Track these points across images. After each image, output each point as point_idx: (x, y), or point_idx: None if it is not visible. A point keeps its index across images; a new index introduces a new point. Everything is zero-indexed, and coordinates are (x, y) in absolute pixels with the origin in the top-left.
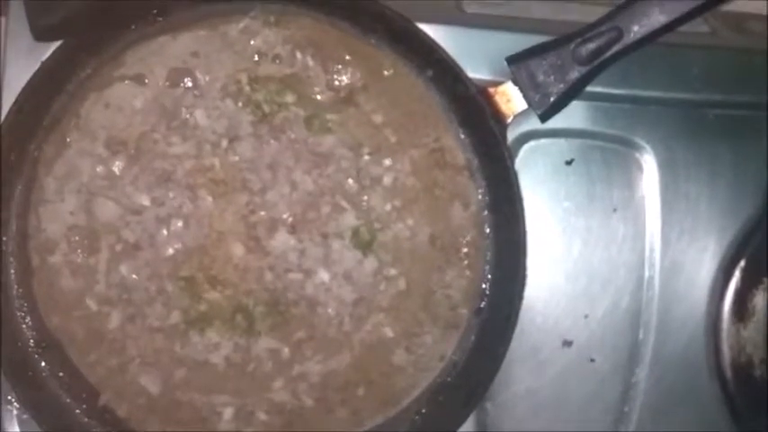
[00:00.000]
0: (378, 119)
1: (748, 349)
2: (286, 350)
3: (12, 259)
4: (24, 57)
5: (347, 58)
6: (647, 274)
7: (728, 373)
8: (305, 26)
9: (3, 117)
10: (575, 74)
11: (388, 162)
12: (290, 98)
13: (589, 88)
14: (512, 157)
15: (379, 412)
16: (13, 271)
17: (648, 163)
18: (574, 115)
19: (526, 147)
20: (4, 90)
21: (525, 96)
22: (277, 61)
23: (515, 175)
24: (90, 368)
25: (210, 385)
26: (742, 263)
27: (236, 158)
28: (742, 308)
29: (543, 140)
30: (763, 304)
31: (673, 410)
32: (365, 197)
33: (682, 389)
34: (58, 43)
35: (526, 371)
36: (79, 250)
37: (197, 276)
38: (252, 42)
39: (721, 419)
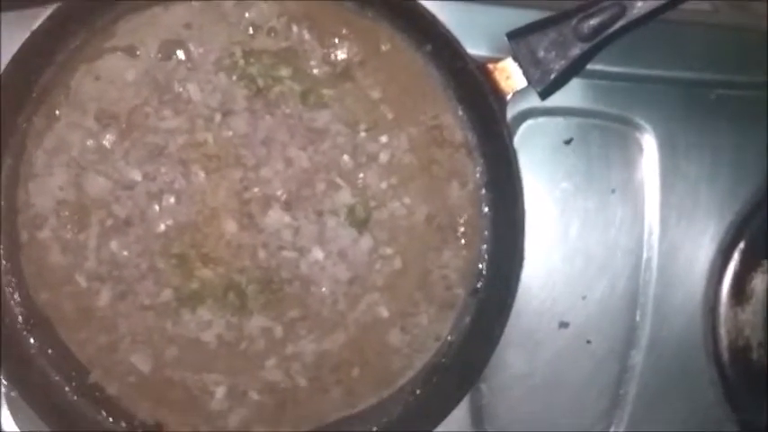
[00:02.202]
0: (375, 95)
1: (746, 332)
2: (279, 329)
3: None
4: (13, 27)
5: (344, 32)
6: (645, 256)
7: (726, 356)
8: None
9: None
10: (576, 50)
11: (384, 139)
12: (285, 72)
13: (589, 66)
14: (510, 135)
15: (373, 393)
16: (1, 246)
17: (648, 143)
18: (573, 93)
19: (525, 125)
20: None
21: (525, 73)
22: (272, 34)
23: (514, 153)
24: (79, 346)
25: (202, 364)
26: (741, 245)
27: (230, 133)
28: (740, 291)
29: (542, 119)
30: (761, 287)
31: (669, 393)
32: (361, 174)
33: (678, 371)
34: (48, 12)
35: (522, 352)
36: (69, 226)
37: (189, 253)
38: (246, 15)
39: (718, 402)
